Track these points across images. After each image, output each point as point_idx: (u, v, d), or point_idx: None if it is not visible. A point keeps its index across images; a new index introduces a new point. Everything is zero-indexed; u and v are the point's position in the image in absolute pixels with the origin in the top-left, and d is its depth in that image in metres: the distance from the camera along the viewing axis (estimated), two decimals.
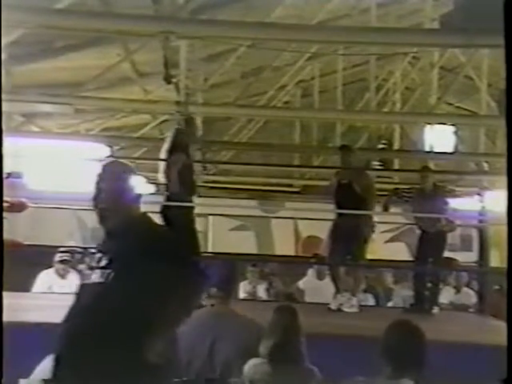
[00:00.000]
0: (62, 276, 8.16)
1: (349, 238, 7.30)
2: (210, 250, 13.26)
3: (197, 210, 6.95)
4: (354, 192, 7.27)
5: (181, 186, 6.49)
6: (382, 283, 10.27)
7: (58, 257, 8.24)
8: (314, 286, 9.33)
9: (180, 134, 6.80)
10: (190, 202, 6.56)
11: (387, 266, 10.45)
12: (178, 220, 6.37)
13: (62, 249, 8.62)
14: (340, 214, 7.44)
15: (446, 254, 8.04)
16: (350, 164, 7.59)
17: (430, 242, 7.66)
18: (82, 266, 9.08)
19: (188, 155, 6.64)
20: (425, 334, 3.28)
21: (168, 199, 6.56)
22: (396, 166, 12.14)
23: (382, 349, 3.24)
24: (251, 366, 3.74)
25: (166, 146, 6.75)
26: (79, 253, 9.55)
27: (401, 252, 12.42)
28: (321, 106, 11.77)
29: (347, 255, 7.49)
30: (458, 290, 9.46)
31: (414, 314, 7.12)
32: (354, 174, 7.46)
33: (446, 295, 9.31)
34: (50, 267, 8.31)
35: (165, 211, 6.48)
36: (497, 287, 8.51)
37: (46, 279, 8.22)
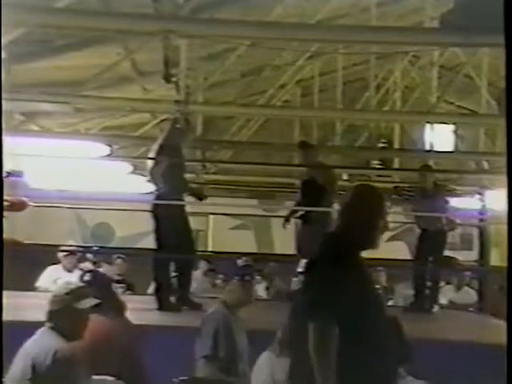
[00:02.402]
0: (69, 270, 8.21)
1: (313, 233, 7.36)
2: (210, 248, 13.29)
3: (197, 209, 6.94)
4: (317, 187, 7.30)
5: (167, 186, 6.51)
6: (382, 282, 10.27)
7: (64, 252, 8.29)
8: None
9: (171, 134, 6.81)
10: (180, 201, 6.55)
11: (387, 265, 10.45)
12: (167, 219, 6.40)
13: (64, 247, 8.66)
14: (306, 211, 7.46)
15: (447, 252, 8.04)
16: (312, 160, 7.57)
17: (431, 241, 7.66)
18: (84, 264, 9.11)
19: (178, 155, 6.63)
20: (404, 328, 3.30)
21: (157, 198, 6.59)
22: (396, 165, 12.13)
23: None
24: (261, 358, 3.78)
25: (155, 145, 6.78)
26: (80, 251, 9.58)
27: (401, 251, 12.42)
28: (321, 105, 11.76)
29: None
30: (458, 288, 9.46)
31: (414, 312, 7.13)
32: (316, 170, 7.46)
33: (446, 294, 9.31)
34: (57, 263, 8.35)
35: (154, 210, 6.51)
36: (496, 286, 8.51)
37: (52, 273, 8.25)
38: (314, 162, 7.55)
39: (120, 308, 4.24)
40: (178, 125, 7.01)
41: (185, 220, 6.60)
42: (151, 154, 6.76)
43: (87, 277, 4.28)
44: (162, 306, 6.32)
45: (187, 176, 7.02)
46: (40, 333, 3.45)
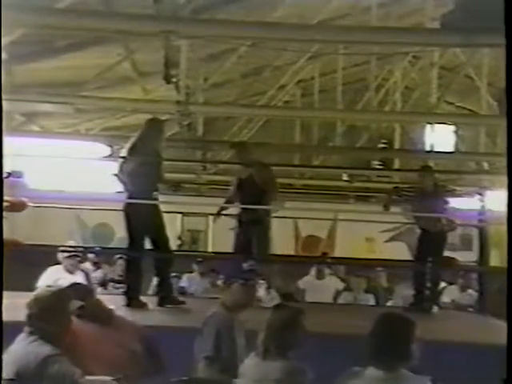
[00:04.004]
0: (71, 272, 8.19)
1: (252, 232, 7.48)
2: (210, 249, 13.28)
3: (197, 209, 6.94)
4: (255, 185, 7.35)
5: (135, 185, 6.50)
6: (383, 283, 10.28)
7: (65, 253, 8.27)
8: (314, 286, 9.36)
9: (144, 134, 6.85)
10: (150, 199, 6.55)
11: (387, 265, 10.45)
12: (137, 217, 6.40)
13: (65, 247, 8.65)
14: (243, 209, 7.54)
15: (446, 253, 8.04)
16: (248, 159, 7.61)
17: (430, 242, 7.66)
18: (85, 265, 9.10)
19: (150, 155, 6.64)
20: (413, 325, 3.24)
21: (128, 197, 6.59)
22: (396, 166, 12.14)
23: (370, 340, 3.20)
24: (246, 362, 3.78)
25: (128, 144, 6.82)
26: (80, 252, 9.57)
27: (401, 251, 12.42)
28: (321, 106, 11.77)
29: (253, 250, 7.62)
30: (462, 289, 9.45)
31: (413, 313, 7.13)
32: (254, 169, 7.51)
33: (450, 294, 9.31)
34: (58, 264, 8.34)
35: (126, 209, 6.52)
36: (496, 287, 8.51)
37: (53, 274, 8.23)
38: (249, 160, 7.61)
39: (106, 316, 4.08)
40: (149, 127, 7.04)
41: (159, 219, 6.61)
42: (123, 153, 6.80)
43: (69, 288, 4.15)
44: (130, 303, 6.32)
45: (162, 175, 6.96)
46: (20, 338, 3.34)
